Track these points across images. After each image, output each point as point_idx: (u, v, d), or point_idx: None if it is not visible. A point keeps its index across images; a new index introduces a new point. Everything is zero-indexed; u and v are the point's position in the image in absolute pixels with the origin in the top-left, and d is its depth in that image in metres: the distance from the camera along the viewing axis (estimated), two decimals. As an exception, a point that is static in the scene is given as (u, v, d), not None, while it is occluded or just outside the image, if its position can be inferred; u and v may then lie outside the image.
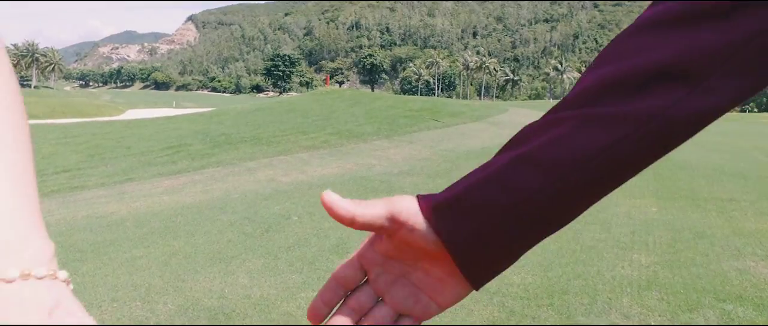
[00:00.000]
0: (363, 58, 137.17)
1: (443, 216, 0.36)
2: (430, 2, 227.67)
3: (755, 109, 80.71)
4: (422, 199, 0.37)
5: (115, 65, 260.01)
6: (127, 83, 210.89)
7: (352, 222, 0.37)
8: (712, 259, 3.42)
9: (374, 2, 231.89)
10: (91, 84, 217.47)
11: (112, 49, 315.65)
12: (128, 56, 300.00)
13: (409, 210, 0.37)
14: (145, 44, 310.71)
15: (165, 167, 7.48)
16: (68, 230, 4.28)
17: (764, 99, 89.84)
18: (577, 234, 4.03)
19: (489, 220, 0.35)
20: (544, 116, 0.37)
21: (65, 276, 0.31)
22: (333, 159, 8.06)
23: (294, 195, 5.52)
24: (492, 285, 2.95)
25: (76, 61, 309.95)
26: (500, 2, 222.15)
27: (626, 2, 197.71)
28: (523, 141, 0.36)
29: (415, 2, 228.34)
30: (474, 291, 0.38)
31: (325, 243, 3.84)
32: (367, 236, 0.39)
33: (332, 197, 0.37)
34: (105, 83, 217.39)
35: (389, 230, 0.37)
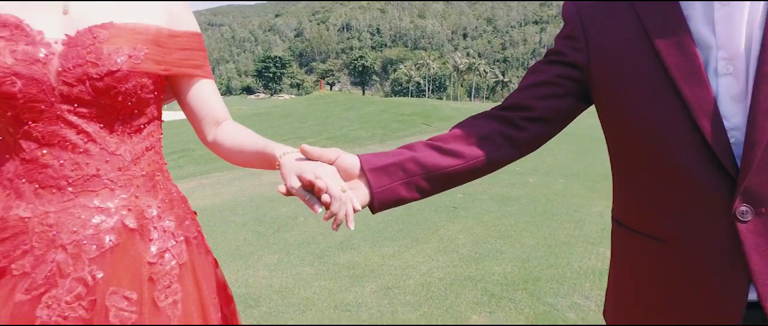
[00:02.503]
0: (354, 60, 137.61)
1: (377, 172, 0.90)
2: (420, 4, 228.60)
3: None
4: (364, 158, 0.93)
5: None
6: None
7: (309, 150, 0.91)
8: (666, 252, 3.96)
9: (364, 2, 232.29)
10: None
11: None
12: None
13: (347, 158, 0.93)
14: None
15: (173, 172, 7.86)
16: (96, 231, 4.74)
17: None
18: (553, 231, 4.56)
19: (393, 181, 0.89)
20: (434, 139, 0.95)
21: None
22: (331, 163, 8.54)
23: (297, 199, 6.00)
24: (476, 273, 3.46)
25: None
26: (490, 2, 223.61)
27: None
28: (415, 148, 0.93)
29: (405, 3, 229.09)
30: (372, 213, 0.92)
31: (331, 240, 4.33)
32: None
33: (305, 145, 0.91)
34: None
35: (329, 161, 0.92)
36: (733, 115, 0.76)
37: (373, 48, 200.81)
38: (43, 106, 0.82)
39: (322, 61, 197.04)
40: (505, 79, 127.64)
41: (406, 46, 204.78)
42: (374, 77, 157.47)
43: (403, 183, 0.89)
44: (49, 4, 0.86)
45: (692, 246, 0.79)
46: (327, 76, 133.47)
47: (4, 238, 0.81)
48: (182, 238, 0.93)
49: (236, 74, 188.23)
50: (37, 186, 0.83)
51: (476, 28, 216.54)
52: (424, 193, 0.91)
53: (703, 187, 0.77)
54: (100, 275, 0.81)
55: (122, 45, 0.86)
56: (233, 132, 0.99)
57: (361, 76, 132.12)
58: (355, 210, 0.84)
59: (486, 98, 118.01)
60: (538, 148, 0.96)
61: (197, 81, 1.00)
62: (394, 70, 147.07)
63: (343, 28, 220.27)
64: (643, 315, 0.88)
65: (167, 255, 0.88)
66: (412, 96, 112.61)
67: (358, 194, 0.88)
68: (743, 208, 0.75)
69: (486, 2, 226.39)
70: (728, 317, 0.77)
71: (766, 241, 0.75)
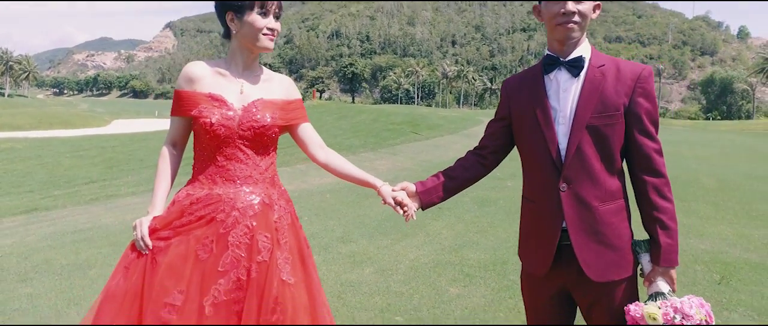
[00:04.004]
0: (343, 67, 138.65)
1: (424, 193, 1.77)
2: (409, 11, 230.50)
3: (718, 117, 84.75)
4: (418, 184, 1.79)
5: (90, 73, 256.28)
6: (104, 91, 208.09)
7: (404, 187, 1.79)
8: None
9: (354, 9, 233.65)
10: (65, 92, 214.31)
11: (87, 56, 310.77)
12: (104, 64, 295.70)
13: (410, 185, 1.78)
14: (122, 52, 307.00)
15: (183, 178, 8.55)
16: (126, 230, 5.42)
17: (724, 107, 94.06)
18: (523, 227, 5.35)
19: (431, 197, 1.75)
20: (449, 170, 1.81)
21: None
22: (327, 169, 9.27)
23: (300, 201, 6.74)
24: (455, 259, 4.24)
25: (50, 68, 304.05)
26: (479, 10, 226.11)
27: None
28: (439, 176, 1.79)
29: (395, 10, 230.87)
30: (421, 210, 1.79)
31: (333, 235, 5.09)
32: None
33: (398, 192, 1.77)
34: (80, 91, 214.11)
35: (403, 188, 1.78)
36: (563, 142, 1.57)
37: (362, 55, 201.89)
38: (229, 141, 1.62)
39: (312, 68, 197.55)
40: (494, 87, 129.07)
41: (396, 54, 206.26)
42: (364, 84, 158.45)
43: (435, 196, 1.78)
44: (234, 88, 1.68)
45: (543, 203, 1.62)
46: (317, 83, 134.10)
47: (211, 203, 1.58)
48: (289, 211, 1.70)
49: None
50: (224, 179, 1.61)
51: (465, 35, 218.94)
52: (442, 200, 1.79)
53: (548, 175, 1.60)
54: (254, 224, 1.57)
55: (267, 112, 1.66)
56: (341, 162, 1.82)
57: (351, 83, 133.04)
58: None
59: (474, 105, 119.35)
60: (497, 165, 1.83)
61: (302, 124, 1.81)
62: (384, 77, 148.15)
63: (333, 35, 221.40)
64: (527, 246, 1.69)
65: (283, 219, 1.66)
66: (401, 103, 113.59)
67: (414, 203, 1.79)
68: (563, 185, 1.57)
69: (475, 9, 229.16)
70: (552, 238, 1.58)
71: (572, 202, 1.56)
